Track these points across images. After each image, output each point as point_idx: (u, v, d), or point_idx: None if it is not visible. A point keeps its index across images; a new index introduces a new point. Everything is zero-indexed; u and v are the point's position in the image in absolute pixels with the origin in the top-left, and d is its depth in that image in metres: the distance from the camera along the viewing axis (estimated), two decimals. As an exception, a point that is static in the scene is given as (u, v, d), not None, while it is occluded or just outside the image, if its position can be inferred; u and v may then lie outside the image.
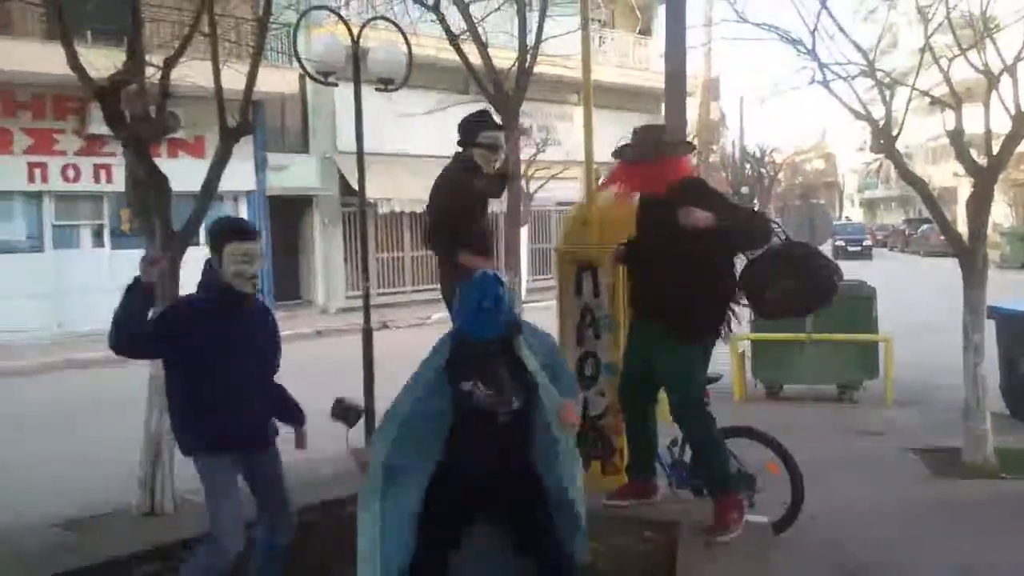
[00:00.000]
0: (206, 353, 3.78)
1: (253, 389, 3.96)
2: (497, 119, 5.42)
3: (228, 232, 3.90)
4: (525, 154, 17.36)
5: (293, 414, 4.19)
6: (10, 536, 5.00)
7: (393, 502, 3.52)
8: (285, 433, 4.17)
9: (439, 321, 17.61)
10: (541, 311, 10.22)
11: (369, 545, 3.48)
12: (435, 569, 3.54)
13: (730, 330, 4.67)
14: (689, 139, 9.39)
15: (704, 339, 4.48)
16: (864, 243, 41.25)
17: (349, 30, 6.83)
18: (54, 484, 6.74)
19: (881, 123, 7.20)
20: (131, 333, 3.66)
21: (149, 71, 5.85)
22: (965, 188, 7.02)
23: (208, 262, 3.92)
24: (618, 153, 4.67)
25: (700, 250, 4.23)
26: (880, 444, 7.66)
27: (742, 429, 5.28)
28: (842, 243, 39.48)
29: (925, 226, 39.16)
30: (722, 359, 6.97)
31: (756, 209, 4.86)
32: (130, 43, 5.55)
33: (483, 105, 10.02)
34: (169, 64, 5.82)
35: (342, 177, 20.03)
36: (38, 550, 4.64)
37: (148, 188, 5.65)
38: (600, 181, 5.14)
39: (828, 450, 7.02)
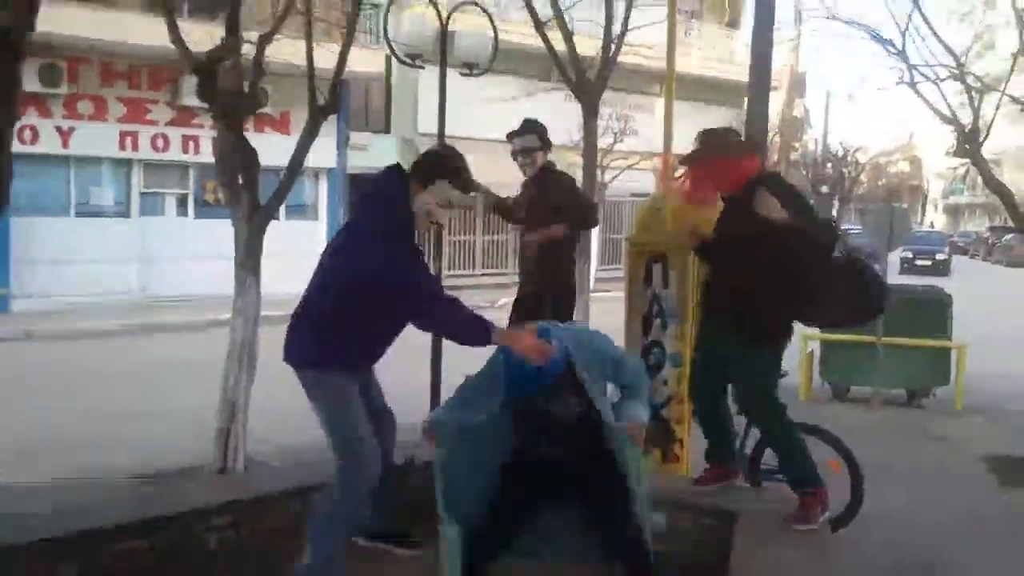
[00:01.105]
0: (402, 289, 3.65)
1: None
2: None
3: (453, 170, 3.73)
4: (602, 143, 17.40)
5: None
6: (96, 485, 5.30)
7: (459, 485, 3.68)
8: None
9: (506, 306, 17.79)
10: (609, 300, 10.29)
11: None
12: (494, 539, 3.67)
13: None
14: (767, 136, 9.33)
15: (778, 342, 4.55)
16: (938, 256, 32.96)
17: (438, 13, 6.95)
18: (137, 440, 7.05)
19: (967, 128, 7.11)
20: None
21: (244, 48, 6.08)
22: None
23: (392, 169, 3.81)
24: (687, 160, 4.76)
25: (774, 248, 4.27)
26: (947, 451, 7.58)
27: (805, 426, 5.30)
28: (909, 254, 32.31)
29: (1009, 235, 37.74)
30: (789, 357, 6.96)
31: (824, 217, 4.87)
32: (229, 20, 5.75)
33: (565, 93, 10.14)
34: (264, 41, 6.03)
35: (420, 158, 20.27)
36: (121, 498, 4.91)
37: (237, 161, 5.87)
38: (674, 180, 5.27)
39: (892, 453, 6.98)
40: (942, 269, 31.70)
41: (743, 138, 5.12)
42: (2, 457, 6.34)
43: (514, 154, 5.88)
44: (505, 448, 3.80)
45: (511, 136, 5.90)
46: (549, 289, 5.70)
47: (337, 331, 3.71)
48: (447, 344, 7.18)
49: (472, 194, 3.76)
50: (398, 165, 3.89)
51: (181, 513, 4.31)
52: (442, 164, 3.66)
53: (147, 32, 13.81)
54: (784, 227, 4.20)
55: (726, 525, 4.33)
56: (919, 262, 31.67)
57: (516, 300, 5.99)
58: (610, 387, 3.96)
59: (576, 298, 6.28)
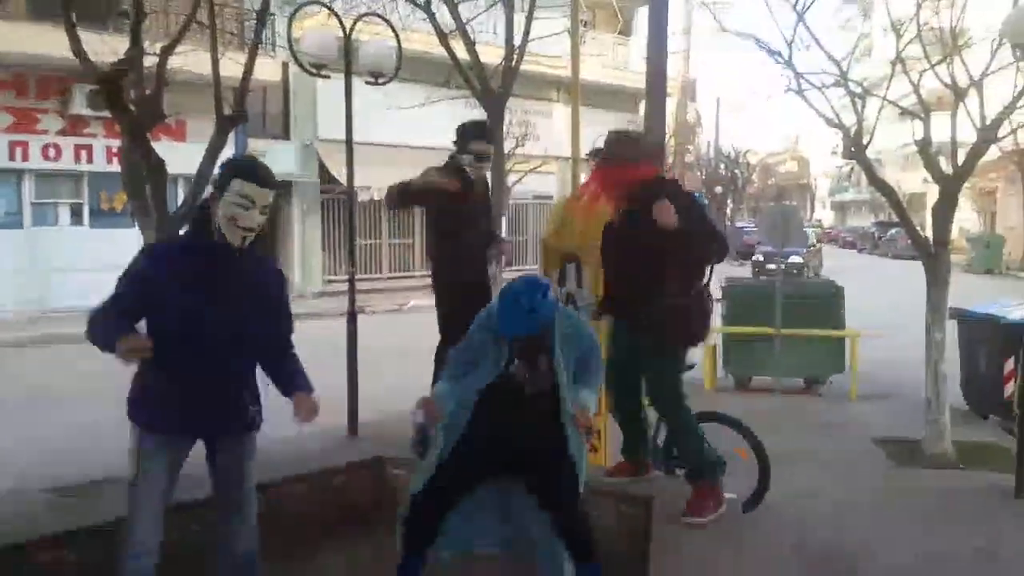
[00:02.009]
0: (160, 307, 3.25)
1: (226, 364, 3.39)
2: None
3: (243, 168, 3.38)
4: (506, 147, 17.61)
5: (292, 379, 3.60)
6: (7, 499, 5.17)
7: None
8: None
9: (414, 308, 17.82)
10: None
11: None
12: (436, 506, 3.78)
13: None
14: (664, 140, 9.65)
15: (683, 344, 4.79)
16: (792, 259, 24.61)
17: (342, 25, 7.01)
18: (48, 454, 6.88)
19: (852, 131, 7.50)
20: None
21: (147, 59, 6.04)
22: (933, 194, 7.29)
23: (203, 203, 3.46)
24: (592, 154, 4.96)
25: (671, 254, 4.49)
26: (844, 435, 7.96)
27: (713, 414, 5.55)
28: (761, 257, 28.15)
29: (893, 230, 39.48)
30: (694, 350, 7.23)
31: (716, 228, 5.11)
32: (132, 31, 5.71)
33: (469, 100, 10.29)
34: (167, 52, 6.00)
35: (321, 164, 20.13)
36: (36, 512, 4.82)
37: (145, 172, 5.82)
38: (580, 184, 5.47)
39: (794, 440, 7.30)
40: (796, 275, 24.29)
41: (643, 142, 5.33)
42: None
43: (478, 158, 5.81)
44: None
45: (475, 139, 5.83)
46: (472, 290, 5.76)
47: None
48: (365, 348, 7.29)
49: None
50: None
51: (101, 524, 4.27)
52: (231, 166, 3.40)
53: (34, 40, 13.44)
54: (675, 230, 4.42)
55: (643, 511, 4.52)
56: (769, 266, 25.59)
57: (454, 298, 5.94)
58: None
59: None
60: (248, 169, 3.35)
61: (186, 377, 3.30)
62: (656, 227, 4.42)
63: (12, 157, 15.76)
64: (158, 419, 3.34)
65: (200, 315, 3.25)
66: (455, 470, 3.79)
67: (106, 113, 15.57)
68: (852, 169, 57.42)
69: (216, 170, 3.49)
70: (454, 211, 5.69)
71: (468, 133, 5.69)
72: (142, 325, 3.30)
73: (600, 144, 4.95)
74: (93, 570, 3.84)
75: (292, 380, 3.58)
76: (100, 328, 3.16)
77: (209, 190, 3.46)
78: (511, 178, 19.14)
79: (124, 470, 3.43)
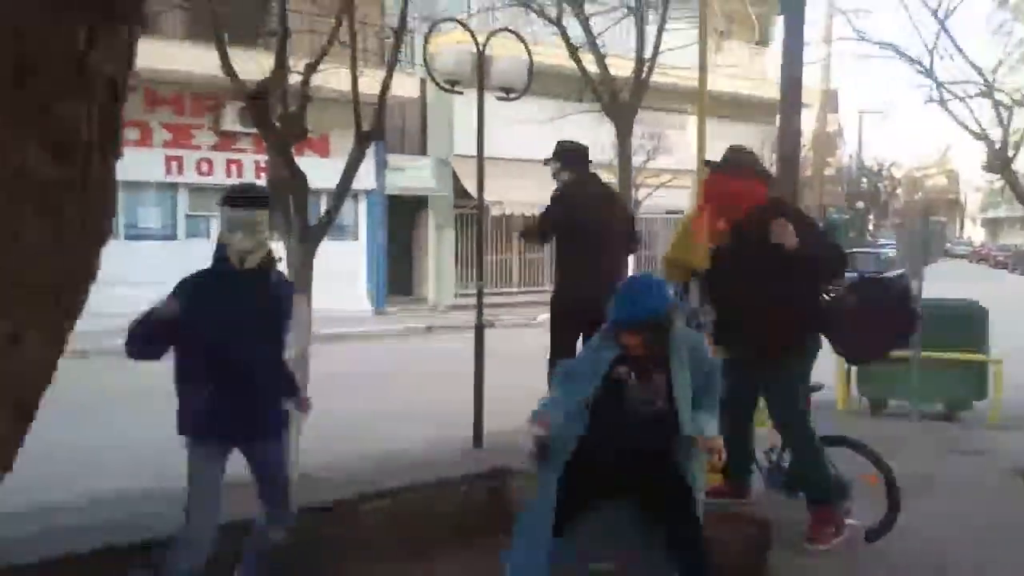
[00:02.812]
0: (199, 328, 3.55)
1: (253, 371, 3.70)
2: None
3: (224, 197, 3.66)
4: (635, 161, 17.58)
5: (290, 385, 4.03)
6: (151, 499, 5.49)
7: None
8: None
9: (544, 323, 17.94)
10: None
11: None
12: (553, 523, 3.78)
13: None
14: (799, 153, 9.45)
15: (798, 358, 4.68)
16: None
17: (475, 41, 7.18)
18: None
19: (998, 144, 7.21)
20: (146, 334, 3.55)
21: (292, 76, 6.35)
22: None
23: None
24: (711, 164, 4.92)
25: (786, 275, 4.42)
26: (984, 464, 7.60)
27: (841, 439, 5.41)
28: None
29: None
30: (826, 371, 7.06)
31: (836, 244, 4.98)
32: (278, 51, 6.02)
33: (597, 113, 10.36)
34: (310, 70, 6.29)
35: (456, 179, 20.54)
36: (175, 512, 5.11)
37: (288, 186, 6.12)
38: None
39: (929, 467, 7.02)
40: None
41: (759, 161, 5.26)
42: (68, 473, 6.56)
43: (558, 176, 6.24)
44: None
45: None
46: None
47: None
48: (495, 360, 7.42)
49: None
50: None
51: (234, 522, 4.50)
52: (222, 198, 3.68)
53: (190, 59, 14.26)
54: (792, 251, 4.35)
55: (763, 534, 4.47)
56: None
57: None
58: None
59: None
60: (230, 196, 3.66)
61: (226, 390, 3.60)
62: (770, 249, 4.36)
63: (168, 171, 16.71)
64: (204, 429, 3.67)
65: (232, 335, 3.58)
66: (571, 487, 3.79)
67: (255, 129, 16.35)
68: (1004, 184, 54.58)
69: None
70: (563, 232, 5.99)
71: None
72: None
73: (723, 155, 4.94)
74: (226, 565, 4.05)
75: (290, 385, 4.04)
76: (135, 339, 3.57)
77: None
78: (641, 192, 19.11)
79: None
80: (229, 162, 17.27)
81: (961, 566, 5.08)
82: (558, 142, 6.29)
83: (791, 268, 4.38)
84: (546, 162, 6.21)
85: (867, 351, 5.02)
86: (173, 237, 17.07)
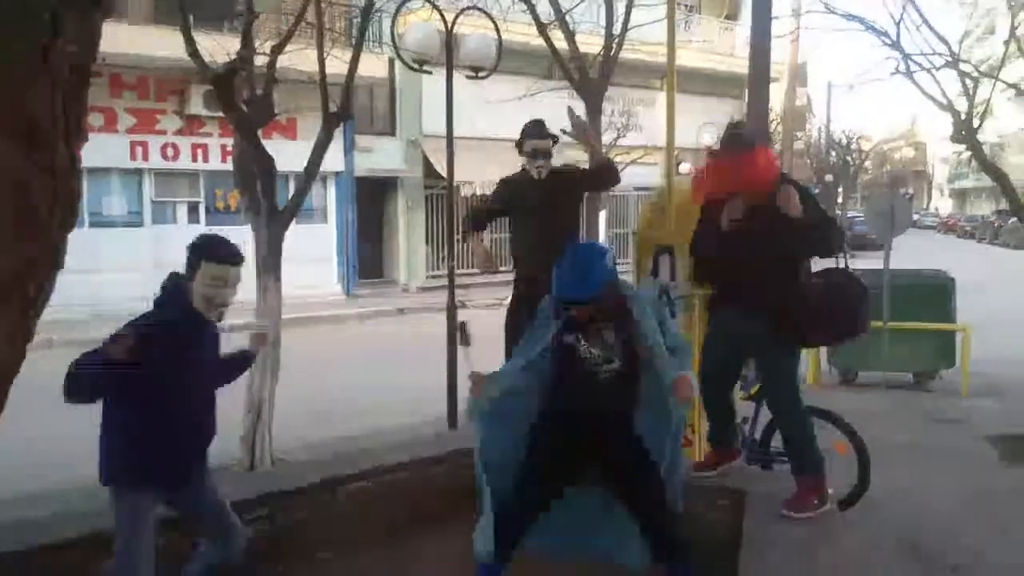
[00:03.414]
0: (155, 379, 3.37)
1: (201, 419, 3.64)
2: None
3: (209, 250, 3.52)
4: (606, 138, 17.57)
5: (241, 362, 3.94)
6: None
7: (497, 437, 3.79)
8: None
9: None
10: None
11: (479, 479, 3.79)
12: (529, 507, 3.74)
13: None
14: (768, 128, 9.49)
15: (806, 340, 4.72)
16: None
17: (443, 19, 7.14)
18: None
19: (963, 115, 7.27)
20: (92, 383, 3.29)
21: (257, 58, 6.29)
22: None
23: (173, 276, 3.60)
24: (715, 153, 4.87)
25: (782, 245, 4.44)
26: (954, 432, 7.74)
27: (813, 409, 5.46)
28: None
29: (1014, 218, 37.69)
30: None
31: (833, 218, 4.96)
32: (243, 33, 5.96)
33: (569, 91, 10.33)
34: (276, 51, 6.24)
35: (426, 160, 20.45)
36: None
37: (255, 169, 6.08)
38: (691, 175, 5.37)
39: (900, 436, 7.14)
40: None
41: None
42: (48, 463, 6.52)
43: (532, 155, 5.61)
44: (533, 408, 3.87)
45: (526, 138, 5.66)
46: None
47: None
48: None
49: None
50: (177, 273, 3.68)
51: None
52: (198, 248, 3.52)
53: (154, 43, 14.06)
54: (795, 222, 4.37)
55: (737, 505, 4.52)
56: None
57: (519, 294, 5.70)
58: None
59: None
60: (212, 251, 3.51)
61: (165, 438, 3.45)
62: (779, 219, 4.37)
63: (133, 157, 16.50)
64: (152, 474, 3.47)
65: (182, 380, 3.47)
66: (536, 467, 3.75)
67: (221, 113, 16.16)
68: (971, 155, 55.09)
69: (188, 249, 3.59)
70: (519, 211, 5.67)
71: (524, 132, 5.61)
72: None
73: (710, 138, 4.93)
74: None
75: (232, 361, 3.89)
76: (85, 375, 3.25)
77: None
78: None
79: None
80: (195, 146, 17.07)
81: (934, 533, 5.17)
82: (536, 120, 5.78)
83: (796, 239, 4.40)
84: (545, 156, 5.63)
85: (816, 338, 5.04)
86: (139, 224, 16.87)
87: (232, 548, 3.74)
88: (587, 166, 5.65)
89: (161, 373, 3.37)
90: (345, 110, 6.32)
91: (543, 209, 5.42)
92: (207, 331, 3.61)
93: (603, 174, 5.55)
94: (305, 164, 6.25)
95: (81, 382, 3.24)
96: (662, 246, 5.36)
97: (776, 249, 4.45)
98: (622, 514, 3.79)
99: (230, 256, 3.53)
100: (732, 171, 4.63)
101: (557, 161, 5.73)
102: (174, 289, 3.53)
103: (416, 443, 5.95)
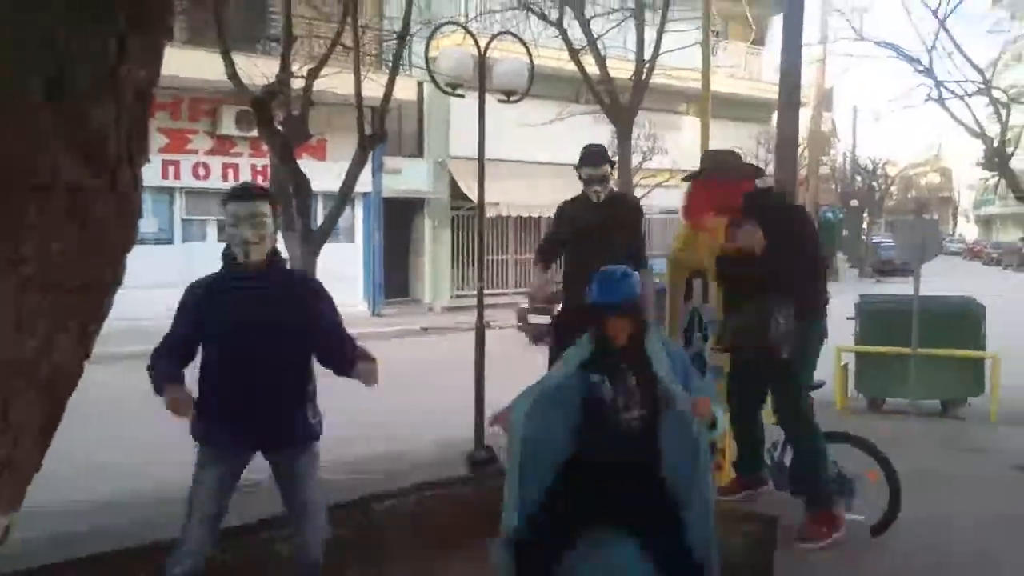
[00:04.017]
0: (208, 334, 3.53)
1: (268, 378, 3.57)
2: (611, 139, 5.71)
3: (224, 195, 3.69)
4: (632, 161, 17.63)
5: (351, 356, 3.74)
6: (157, 502, 5.53)
7: (528, 475, 3.74)
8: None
9: (539, 324, 17.99)
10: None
11: (506, 514, 3.74)
12: (548, 551, 3.66)
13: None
14: (797, 152, 9.51)
15: (815, 316, 4.71)
16: None
17: (477, 44, 7.21)
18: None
19: (995, 141, 7.26)
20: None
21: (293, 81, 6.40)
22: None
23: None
24: (688, 177, 4.96)
25: (774, 267, 4.46)
26: (983, 460, 7.66)
27: (844, 435, 5.47)
28: None
29: (1040, 245, 37.36)
30: (825, 369, 7.10)
31: (818, 266, 4.91)
32: (283, 55, 6.07)
33: (598, 115, 10.43)
34: (313, 74, 6.35)
35: (453, 181, 20.58)
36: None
37: (291, 188, 6.17)
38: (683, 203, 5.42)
39: (929, 463, 7.07)
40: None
41: (751, 157, 5.29)
42: (65, 477, 6.58)
43: (589, 182, 5.70)
44: (566, 448, 3.83)
45: (583, 165, 5.73)
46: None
47: None
48: (491, 362, 7.44)
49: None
50: None
51: (247, 525, 4.53)
52: (224, 196, 3.70)
53: (187, 64, 14.29)
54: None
55: (769, 532, 4.51)
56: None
57: (560, 322, 5.90)
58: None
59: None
60: (229, 192, 3.68)
61: (235, 393, 3.53)
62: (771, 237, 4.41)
63: (165, 176, 16.74)
64: (211, 433, 3.59)
65: (240, 337, 3.51)
66: (558, 511, 3.71)
67: (252, 133, 16.31)
68: (999, 181, 54.68)
69: None
70: (576, 231, 5.72)
71: (580, 159, 5.71)
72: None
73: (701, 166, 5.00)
74: (238, 566, 4.08)
75: (354, 361, 3.73)
76: (155, 370, 3.52)
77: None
78: (637, 192, 19.18)
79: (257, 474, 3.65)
80: (225, 166, 17.31)
81: (964, 561, 5.13)
82: (594, 146, 5.85)
83: (784, 256, 4.42)
84: (602, 182, 5.70)
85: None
86: (170, 241, 17.09)
87: (302, 548, 3.69)
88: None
89: (209, 332, 3.50)
90: (380, 133, 6.41)
91: (600, 231, 5.46)
92: (255, 280, 3.59)
93: (635, 259, 5.44)
94: (339, 185, 6.34)
95: (151, 364, 3.53)
96: (695, 270, 5.39)
97: (768, 266, 4.46)
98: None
99: (241, 192, 3.65)
100: (703, 196, 4.73)
101: None
102: (224, 254, 3.66)
103: (444, 464, 5.99)
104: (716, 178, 4.73)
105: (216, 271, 3.68)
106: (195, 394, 3.57)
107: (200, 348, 3.61)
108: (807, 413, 4.73)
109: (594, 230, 5.49)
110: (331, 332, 3.75)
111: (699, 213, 4.91)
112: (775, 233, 4.45)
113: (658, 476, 3.72)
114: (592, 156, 5.67)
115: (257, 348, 3.51)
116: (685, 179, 4.99)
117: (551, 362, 5.42)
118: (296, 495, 3.68)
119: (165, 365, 3.52)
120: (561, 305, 5.86)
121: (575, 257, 5.72)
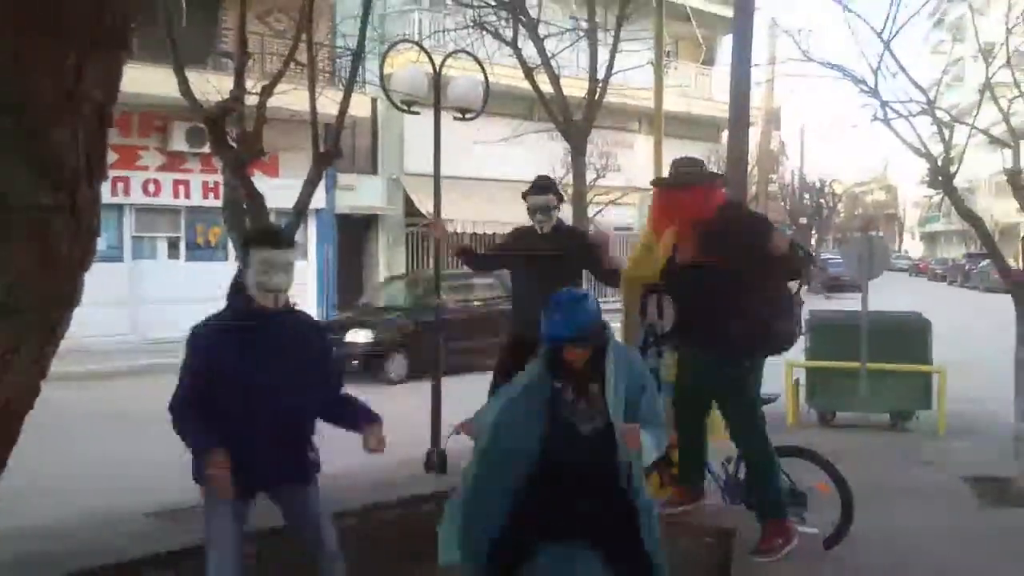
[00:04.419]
0: (217, 377, 3.51)
1: (279, 420, 3.59)
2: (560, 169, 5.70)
3: (256, 237, 3.71)
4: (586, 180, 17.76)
5: (357, 415, 3.84)
6: (107, 522, 5.44)
7: (487, 487, 3.74)
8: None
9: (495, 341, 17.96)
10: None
11: (449, 526, 3.74)
12: (515, 558, 3.70)
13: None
14: (747, 170, 9.67)
15: (752, 354, 4.72)
16: None
17: (432, 62, 7.24)
18: (146, 479, 7.19)
19: (939, 160, 7.44)
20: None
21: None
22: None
23: (238, 275, 3.75)
24: (655, 182, 5.00)
25: (743, 278, 4.48)
26: (931, 472, 7.82)
27: (795, 449, 5.54)
28: None
29: (985, 262, 38.13)
30: (775, 384, 7.20)
31: (794, 243, 4.98)
32: (237, 71, 6.03)
33: (552, 133, 10.49)
34: (267, 91, 6.30)
35: (407, 197, 20.56)
36: (146, 532, 5.07)
37: (245, 206, 6.12)
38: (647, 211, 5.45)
39: (879, 476, 7.20)
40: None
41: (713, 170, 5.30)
42: (17, 499, 6.45)
43: (532, 211, 5.64)
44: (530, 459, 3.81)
45: (527, 194, 5.69)
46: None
47: None
48: (447, 383, 7.42)
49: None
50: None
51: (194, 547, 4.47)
52: (246, 239, 3.74)
53: (137, 80, 14.12)
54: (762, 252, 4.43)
55: (726, 544, 4.56)
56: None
57: (514, 343, 5.60)
58: None
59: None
60: (260, 237, 3.70)
61: (244, 437, 3.48)
62: (732, 250, 4.44)
63: (114, 193, 16.50)
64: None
65: (251, 378, 3.51)
66: (519, 519, 3.72)
67: (203, 149, 16.14)
68: (943, 198, 55.83)
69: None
70: (520, 260, 5.66)
71: (529, 189, 5.65)
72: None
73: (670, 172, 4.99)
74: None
75: (357, 416, 3.83)
76: (189, 428, 3.49)
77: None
78: (591, 210, 19.30)
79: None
80: (176, 183, 17.11)
81: (917, 569, 5.22)
82: (541, 176, 5.80)
83: (752, 270, 4.44)
84: (545, 211, 5.60)
85: (763, 352, 5.07)
86: (119, 259, 16.82)
87: (323, 567, 3.74)
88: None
89: (224, 373, 3.48)
90: (336, 150, 6.39)
91: (543, 261, 5.39)
92: (278, 330, 3.62)
93: (609, 277, 5.58)
94: (292, 202, 6.29)
95: (180, 419, 3.52)
96: (650, 285, 5.43)
97: (724, 277, 4.48)
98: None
99: (275, 239, 3.67)
100: (674, 203, 4.75)
101: None
102: (232, 289, 3.66)
103: (402, 482, 5.95)
104: (686, 185, 4.74)
105: (223, 310, 3.68)
106: None
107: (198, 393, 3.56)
108: (761, 425, 4.77)
109: (537, 261, 5.43)
110: (337, 386, 3.89)
111: (664, 223, 4.90)
112: (742, 246, 4.48)
113: (618, 486, 3.72)
114: (534, 186, 5.65)
115: (273, 391, 3.54)
116: (654, 183, 4.99)
117: (492, 391, 5.38)
118: (312, 528, 3.77)
119: (198, 422, 3.49)
120: (507, 337, 5.75)
121: (518, 287, 5.73)
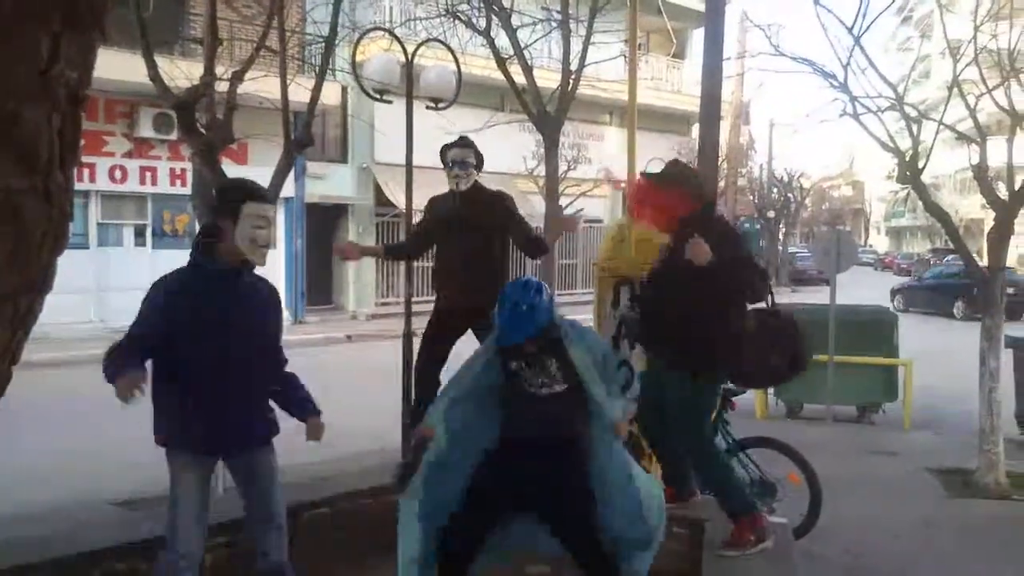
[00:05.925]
0: (182, 332, 3.37)
1: (242, 377, 3.51)
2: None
3: (246, 192, 3.53)
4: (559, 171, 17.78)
5: (303, 405, 3.79)
6: (70, 513, 5.39)
7: (442, 475, 3.76)
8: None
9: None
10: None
11: (408, 513, 3.76)
12: (467, 540, 3.73)
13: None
14: (717, 164, 9.69)
15: (706, 373, 4.58)
16: None
17: (404, 51, 7.17)
18: (113, 469, 7.12)
19: (908, 155, 7.51)
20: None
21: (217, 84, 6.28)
22: (992, 220, 7.35)
23: (205, 230, 3.64)
24: (649, 174, 4.97)
25: (700, 290, 4.42)
26: (897, 464, 7.93)
27: (765, 440, 5.60)
28: None
29: (950, 256, 38.63)
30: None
31: (759, 267, 4.89)
32: (207, 57, 5.96)
33: (525, 124, 10.44)
34: (237, 77, 6.24)
35: (377, 187, 20.44)
36: (111, 522, 5.02)
37: (214, 192, 6.05)
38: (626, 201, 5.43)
39: (846, 468, 7.29)
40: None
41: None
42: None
43: (450, 165, 5.54)
44: (490, 436, 3.86)
45: (446, 148, 5.63)
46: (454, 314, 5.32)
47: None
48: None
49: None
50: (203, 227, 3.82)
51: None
52: (240, 191, 3.56)
53: (103, 64, 13.90)
54: (708, 268, 4.35)
55: (696, 534, 4.58)
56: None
57: (438, 311, 5.51)
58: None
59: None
60: (256, 191, 3.56)
61: (209, 394, 3.42)
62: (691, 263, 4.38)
63: (80, 179, 16.03)
64: (182, 436, 3.48)
65: (216, 337, 3.40)
66: (478, 503, 3.73)
67: (171, 136, 15.93)
68: (908, 194, 56.51)
69: (217, 198, 3.67)
70: (440, 227, 5.55)
71: (449, 144, 5.55)
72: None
73: (653, 167, 4.97)
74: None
75: (303, 407, 3.78)
76: (111, 363, 3.23)
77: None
78: (563, 201, 19.32)
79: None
80: (143, 169, 16.88)
81: (884, 559, 5.29)
82: (463, 136, 5.70)
83: (715, 285, 4.36)
84: (463, 165, 5.51)
85: (752, 379, 5.07)
86: (84, 246, 16.56)
87: (265, 549, 3.62)
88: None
89: (190, 330, 3.35)
90: (307, 138, 6.34)
91: (461, 223, 5.27)
92: (247, 290, 3.54)
93: (532, 245, 5.37)
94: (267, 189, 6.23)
95: (107, 359, 3.24)
96: (622, 277, 5.44)
97: (695, 292, 4.41)
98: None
99: (264, 193, 3.59)
100: (646, 200, 4.74)
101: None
102: (198, 246, 3.52)
103: (373, 472, 5.93)
104: (671, 184, 4.69)
105: (183, 267, 3.55)
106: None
107: (162, 352, 3.41)
108: (710, 435, 4.77)
109: (455, 223, 5.31)
110: (284, 360, 3.79)
111: (643, 213, 4.86)
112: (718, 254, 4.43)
113: (579, 451, 3.77)
114: (460, 139, 5.56)
115: (234, 348, 3.44)
116: (644, 174, 4.94)
117: (421, 353, 5.34)
118: (262, 496, 3.63)
119: (125, 359, 3.24)
120: (435, 303, 5.59)
121: (441, 252, 5.57)
